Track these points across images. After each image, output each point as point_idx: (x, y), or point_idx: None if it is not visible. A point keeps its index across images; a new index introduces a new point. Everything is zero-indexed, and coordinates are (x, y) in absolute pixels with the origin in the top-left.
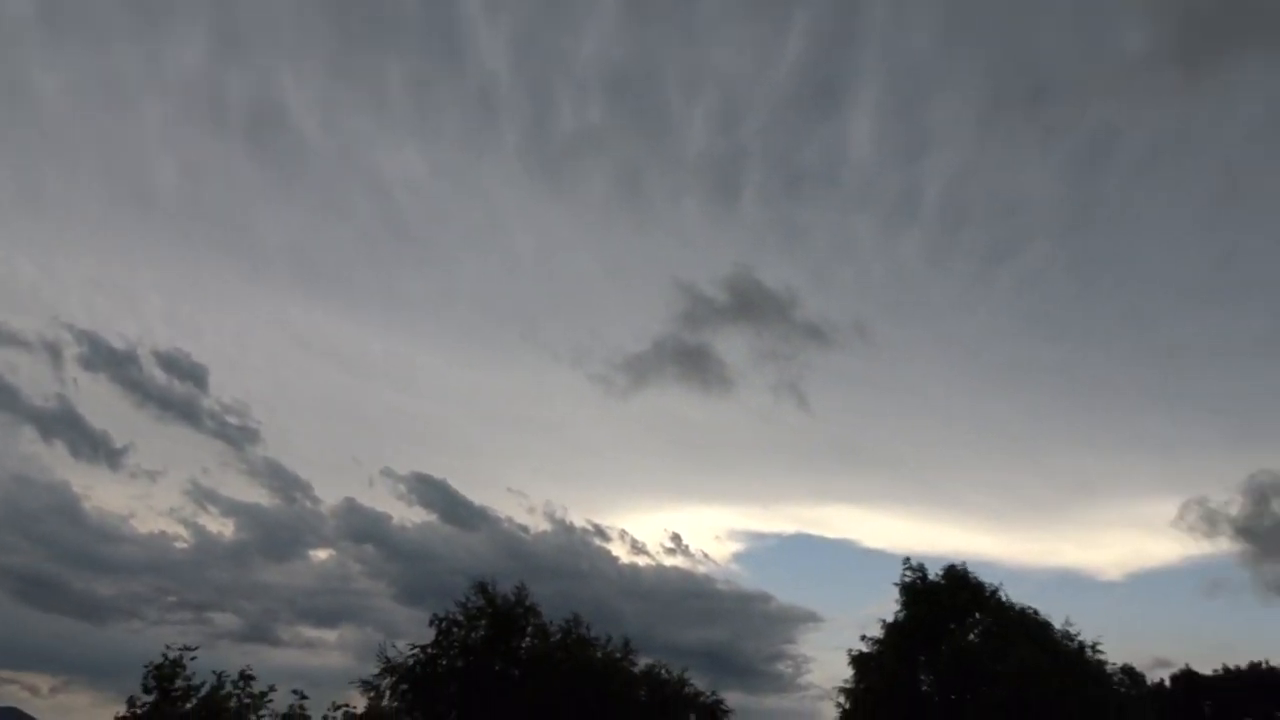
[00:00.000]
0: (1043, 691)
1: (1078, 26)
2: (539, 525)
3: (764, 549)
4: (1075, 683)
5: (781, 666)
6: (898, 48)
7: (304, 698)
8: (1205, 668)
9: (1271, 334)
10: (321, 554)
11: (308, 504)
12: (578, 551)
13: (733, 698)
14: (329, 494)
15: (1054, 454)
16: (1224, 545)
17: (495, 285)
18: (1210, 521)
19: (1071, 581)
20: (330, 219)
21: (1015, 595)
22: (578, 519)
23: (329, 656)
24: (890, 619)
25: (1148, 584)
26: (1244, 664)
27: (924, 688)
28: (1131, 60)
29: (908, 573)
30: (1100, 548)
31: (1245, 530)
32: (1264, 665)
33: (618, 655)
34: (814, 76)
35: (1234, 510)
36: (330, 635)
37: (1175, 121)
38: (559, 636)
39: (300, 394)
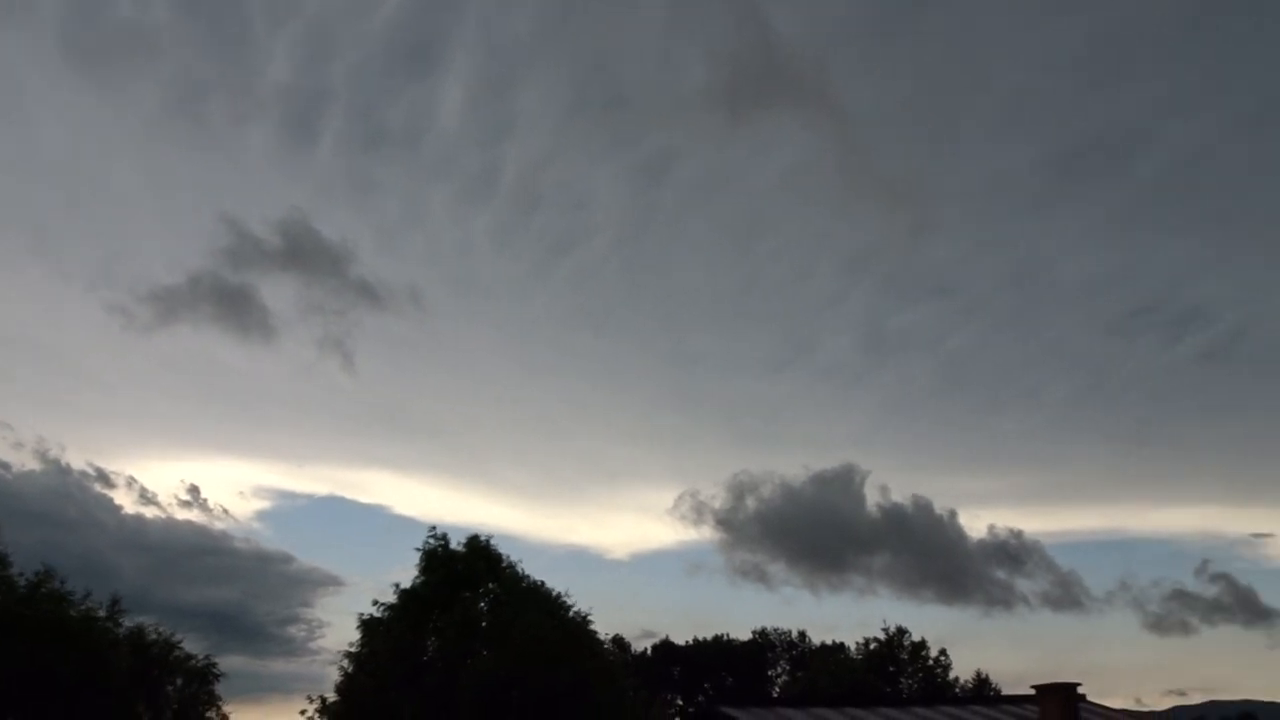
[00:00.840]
0: (541, 656)
1: (659, 51)
2: (25, 463)
3: (293, 509)
4: (571, 650)
5: (294, 630)
6: (498, 27)
7: None
8: (681, 638)
9: (774, 357)
10: None
11: None
12: (71, 496)
13: (235, 661)
14: None
15: (583, 439)
16: (707, 533)
17: (3, 179)
18: (699, 512)
19: (584, 558)
20: None
21: (532, 568)
22: (76, 460)
23: None
24: (408, 585)
25: (647, 564)
26: (711, 636)
27: (427, 655)
28: (691, 95)
29: (431, 540)
30: (611, 529)
31: (724, 521)
32: (725, 637)
33: (100, 614)
34: (411, 35)
35: (717, 503)
36: None
37: (720, 156)
38: (26, 590)
39: None
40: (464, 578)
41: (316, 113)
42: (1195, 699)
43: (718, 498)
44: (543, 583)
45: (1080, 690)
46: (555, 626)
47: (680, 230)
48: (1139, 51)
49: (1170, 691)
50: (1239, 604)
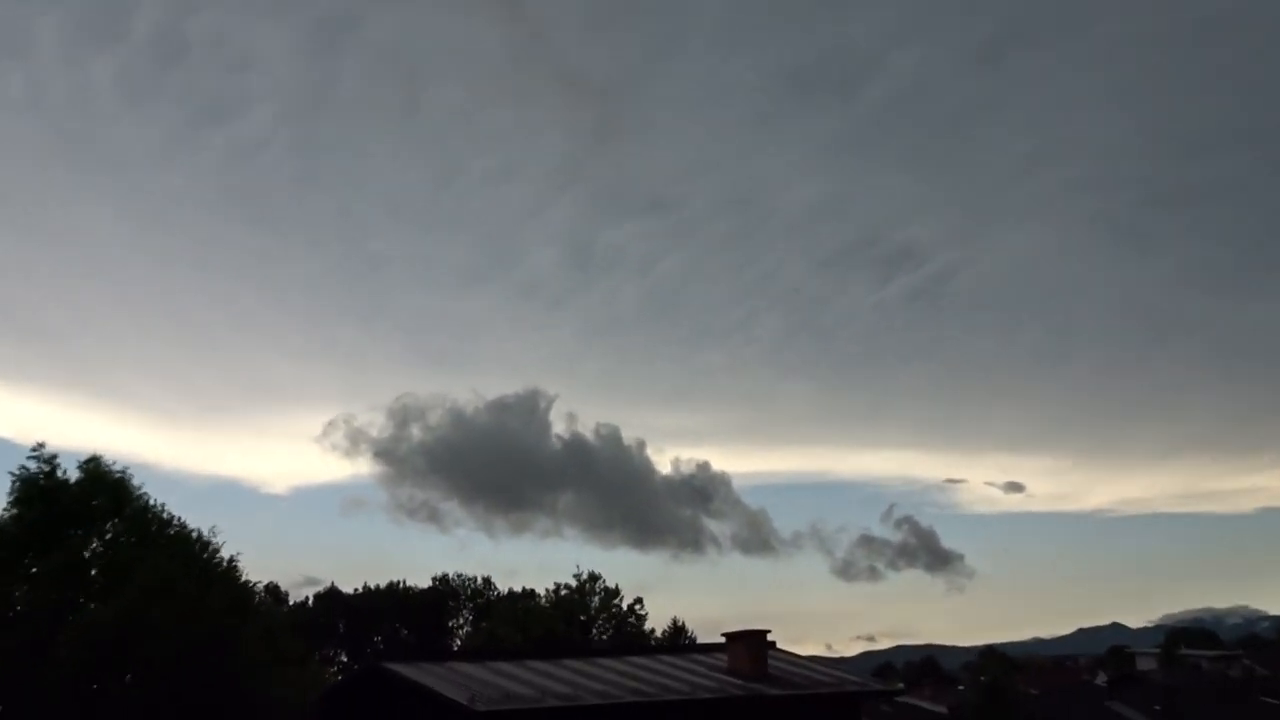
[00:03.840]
0: (172, 607)
1: None
2: None
3: None
4: (211, 599)
5: None
6: None
7: None
8: (349, 585)
9: (469, 269)
10: None
11: None
12: None
13: None
14: None
15: (235, 350)
16: (365, 466)
17: None
18: (353, 440)
19: (235, 492)
20: None
21: (176, 502)
22: None
23: None
24: None
25: (310, 499)
26: (385, 583)
27: (18, 608)
28: None
29: (33, 464)
30: (268, 457)
31: (385, 452)
32: (401, 584)
33: None
34: None
35: (375, 431)
36: None
37: (413, 22)
38: None
39: None
40: (74, 513)
41: None
42: (884, 644)
43: (374, 424)
44: (181, 520)
45: (770, 638)
46: (192, 571)
47: (364, 110)
48: None
49: (859, 637)
50: (924, 549)
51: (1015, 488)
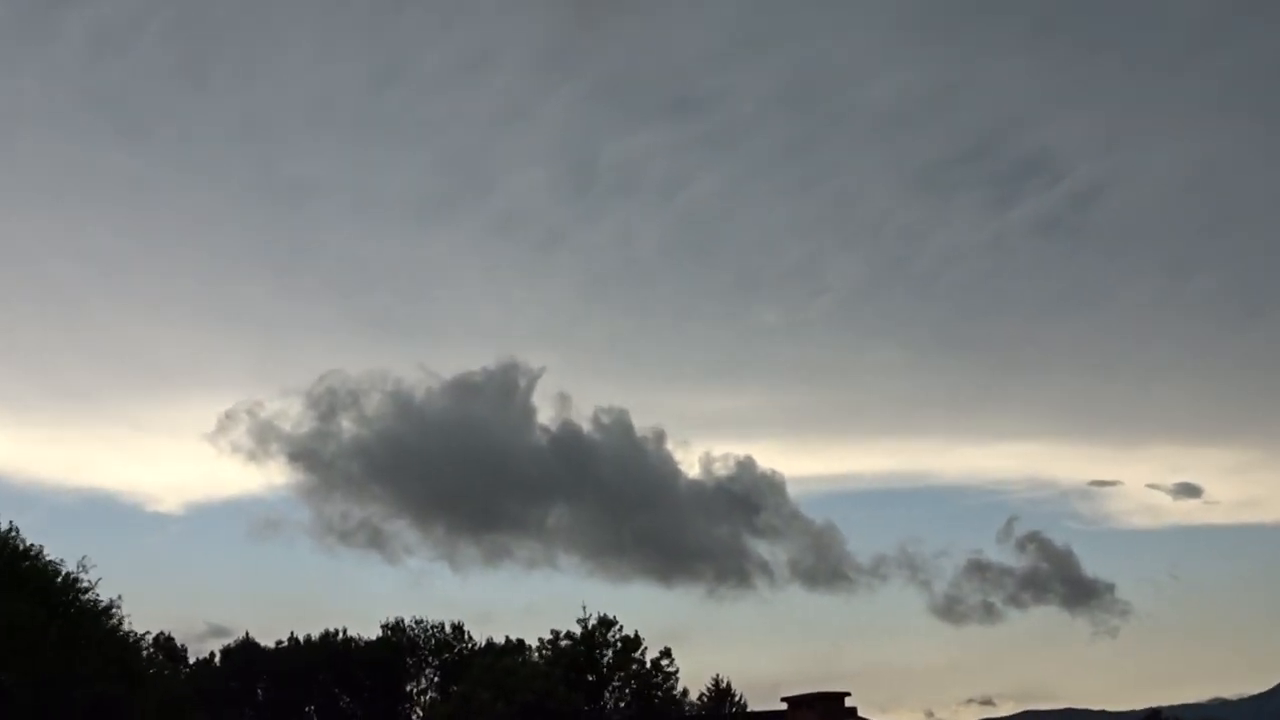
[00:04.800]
0: (29, 667)
1: None
2: None
3: None
4: (85, 658)
5: None
6: None
7: None
8: (269, 637)
9: (430, 193)
10: None
11: None
12: None
13: None
14: None
15: (113, 316)
16: (277, 474)
17: None
18: (259, 439)
19: (111, 510)
20: None
21: (31, 525)
22: None
23: None
24: None
25: (215, 520)
26: (316, 632)
27: None
28: None
29: None
30: (155, 465)
31: (302, 455)
32: (339, 635)
33: None
34: None
35: (288, 425)
36: None
37: None
38: None
39: None
40: None
41: None
42: (1006, 709)
43: (289, 415)
44: (38, 549)
45: (850, 702)
46: (57, 620)
47: None
48: None
49: (972, 700)
50: (1060, 578)
51: (1189, 491)
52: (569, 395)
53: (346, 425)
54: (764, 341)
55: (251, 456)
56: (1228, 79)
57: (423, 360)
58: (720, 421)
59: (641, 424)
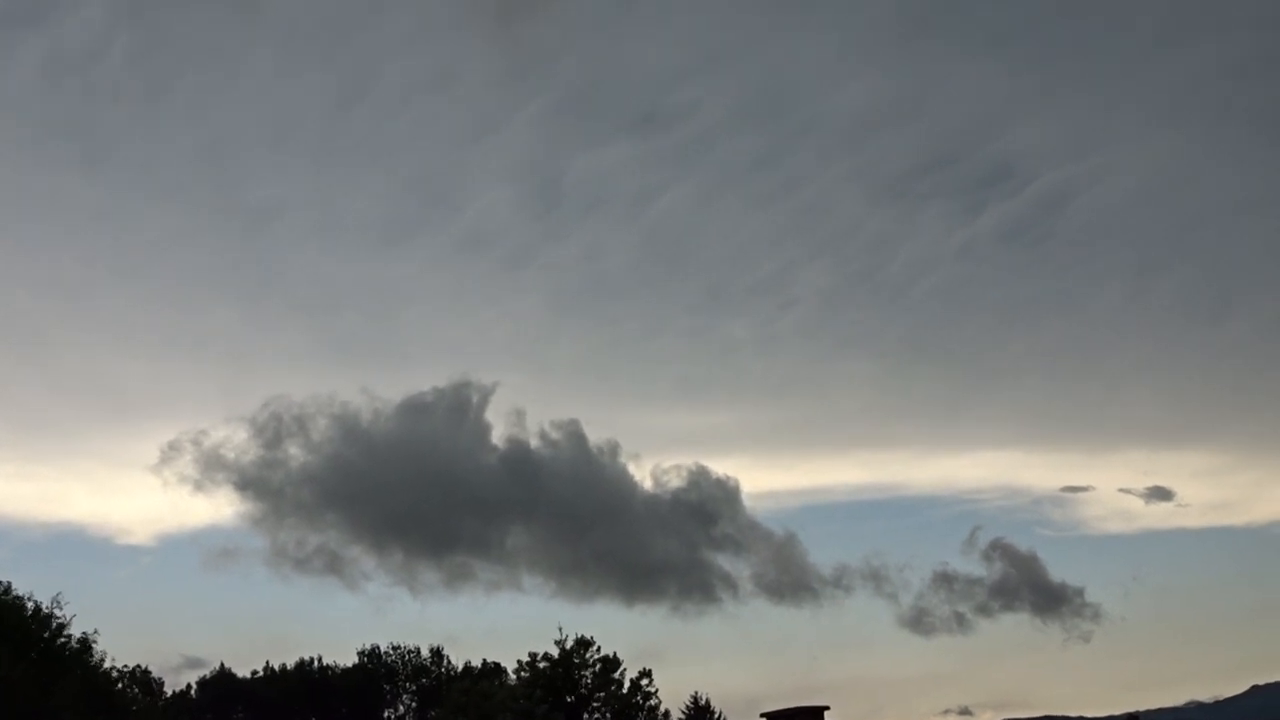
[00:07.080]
0: (12, 705)
1: None
2: None
3: None
4: (60, 696)
5: None
6: None
7: None
8: (245, 667)
9: (397, 214)
10: None
11: None
12: None
13: None
14: None
15: (84, 353)
16: (227, 503)
17: None
18: (205, 466)
19: (80, 544)
20: None
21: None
22: None
23: None
24: None
25: (186, 551)
26: (292, 662)
27: None
28: None
29: None
30: (126, 496)
31: (251, 483)
32: (315, 663)
33: None
34: None
35: (232, 453)
36: None
37: None
38: None
39: None
40: None
41: None
42: (985, 719)
43: (232, 443)
44: (8, 586)
45: (829, 716)
46: (29, 657)
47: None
48: None
49: (950, 710)
50: (1027, 584)
51: (1161, 494)
52: (523, 409)
53: (293, 451)
54: (734, 355)
55: (197, 486)
56: (1190, 83)
57: (389, 382)
58: (690, 438)
59: (604, 439)
